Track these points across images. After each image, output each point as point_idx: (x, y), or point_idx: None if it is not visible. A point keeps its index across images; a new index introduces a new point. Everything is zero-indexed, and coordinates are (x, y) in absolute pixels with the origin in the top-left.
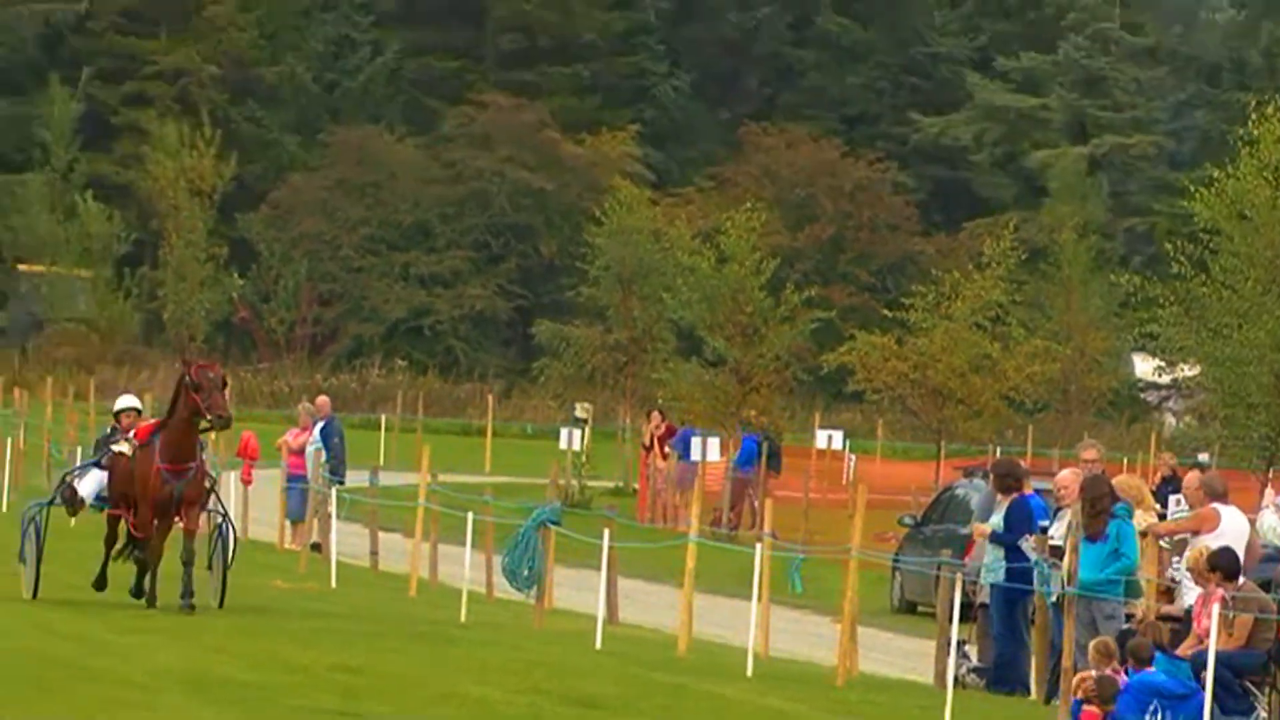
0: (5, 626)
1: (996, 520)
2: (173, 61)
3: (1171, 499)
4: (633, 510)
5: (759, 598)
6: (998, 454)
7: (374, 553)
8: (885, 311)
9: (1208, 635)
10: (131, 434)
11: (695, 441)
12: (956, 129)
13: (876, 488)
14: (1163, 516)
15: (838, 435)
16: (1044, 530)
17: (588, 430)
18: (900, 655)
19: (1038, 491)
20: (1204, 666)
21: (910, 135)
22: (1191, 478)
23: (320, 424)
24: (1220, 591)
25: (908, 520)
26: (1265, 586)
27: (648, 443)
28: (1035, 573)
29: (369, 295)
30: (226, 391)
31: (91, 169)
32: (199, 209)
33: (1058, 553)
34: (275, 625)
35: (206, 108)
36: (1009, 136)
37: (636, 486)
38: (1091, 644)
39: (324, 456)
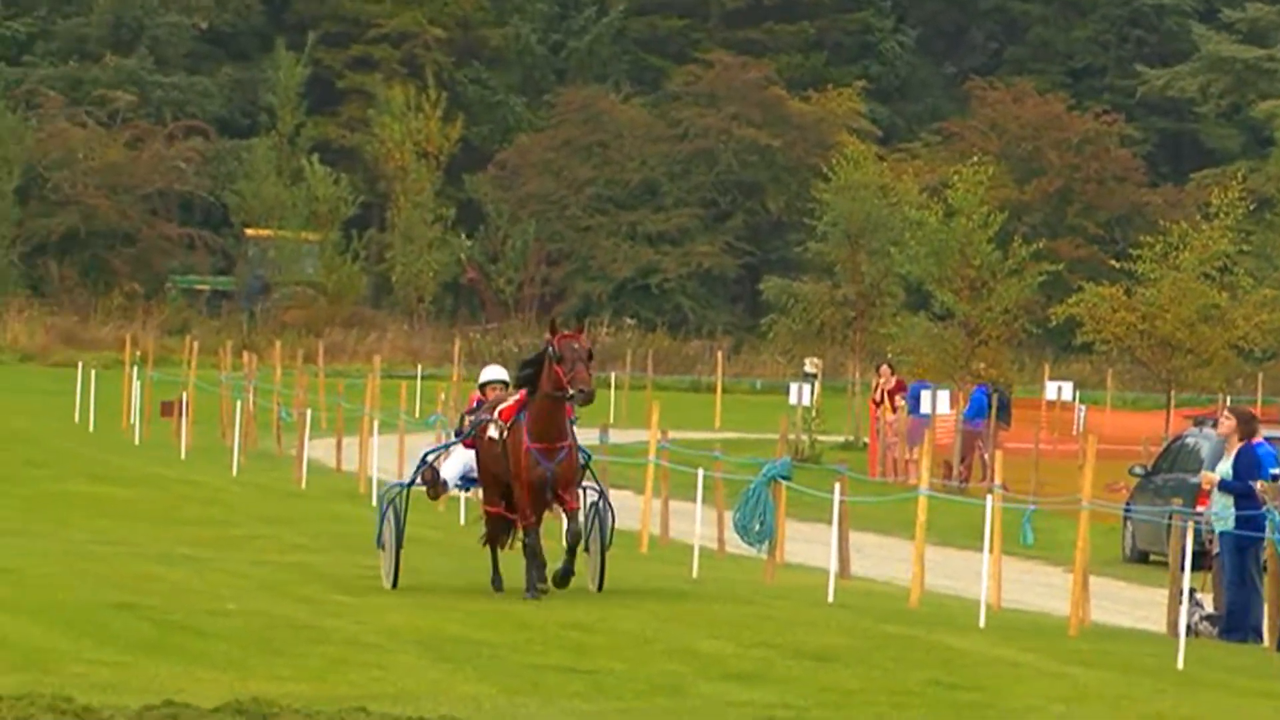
0: (235, 588)
1: (1225, 468)
2: (398, 25)
3: None
4: (863, 465)
5: (990, 549)
6: (1228, 403)
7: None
8: (1113, 263)
9: None
10: (496, 413)
11: (925, 395)
12: (1182, 81)
13: (1106, 438)
14: None
15: (1067, 387)
16: (1274, 478)
17: (817, 385)
18: (1132, 605)
19: (1268, 439)
20: None
21: (1136, 88)
22: None
23: None
24: None
25: (1138, 470)
26: None
27: (877, 397)
28: (1266, 520)
29: (596, 254)
30: (592, 365)
31: (318, 133)
32: (426, 171)
33: None
34: (506, 585)
35: (432, 70)
36: (1235, 87)
37: (866, 441)
38: None
39: None
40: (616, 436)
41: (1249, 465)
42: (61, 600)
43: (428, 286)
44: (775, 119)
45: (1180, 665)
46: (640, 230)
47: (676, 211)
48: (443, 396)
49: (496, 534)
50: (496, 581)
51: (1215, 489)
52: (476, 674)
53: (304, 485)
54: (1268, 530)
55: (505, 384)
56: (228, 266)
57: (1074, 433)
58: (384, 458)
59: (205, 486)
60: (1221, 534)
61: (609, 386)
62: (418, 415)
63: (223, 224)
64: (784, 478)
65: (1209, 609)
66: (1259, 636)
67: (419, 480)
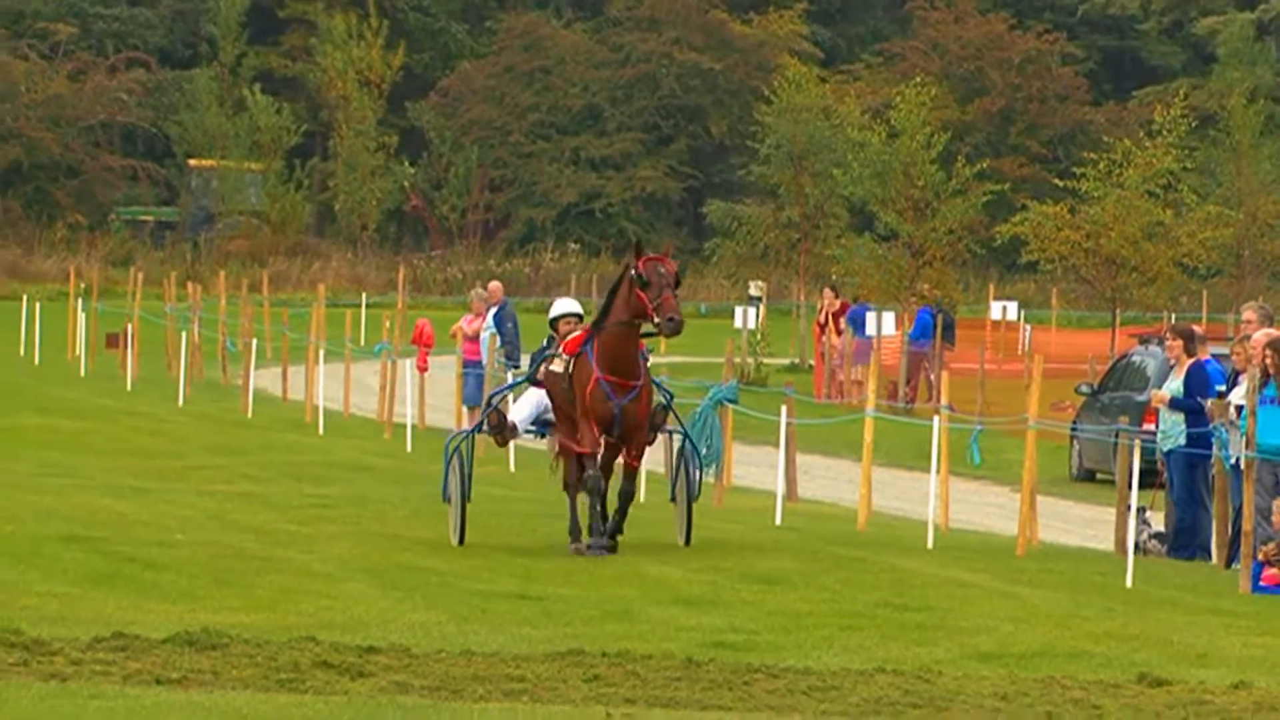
0: (183, 519)
1: (1175, 386)
2: None
3: None
4: (809, 387)
5: (937, 470)
6: (1173, 320)
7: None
8: (1057, 182)
9: None
10: (560, 346)
11: (870, 317)
12: None
13: (1052, 357)
14: None
15: (1012, 306)
16: (1221, 395)
17: (762, 308)
18: (1080, 524)
19: (1214, 356)
20: None
21: (1077, 6)
22: None
23: (494, 309)
24: None
25: (1085, 389)
26: None
27: (823, 319)
28: (1214, 437)
29: (540, 180)
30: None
31: (260, 62)
32: (368, 99)
33: (1238, 415)
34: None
35: None
36: (1176, 4)
37: (812, 363)
38: (1278, 502)
39: (499, 342)
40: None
41: (1200, 383)
42: (10, 533)
43: (371, 214)
44: (717, 42)
45: (1129, 583)
46: (583, 155)
47: (619, 136)
48: (388, 324)
49: (577, 473)
50: (574, 531)
51: (1165, 407)
52: (425, 602)
53: (250, 415)
54: (1215, 448)
55: (579, 317)
56: (171, 197)
57: (1020, 352)
58: (330, 386)
59: (152, 417)
60: (1171, 452)
61: None
62: (363, 343)
63: (166, 155)
64: (730, 401)
65: (1157, 527)
66: (1207, 554)
67: (485, 426)
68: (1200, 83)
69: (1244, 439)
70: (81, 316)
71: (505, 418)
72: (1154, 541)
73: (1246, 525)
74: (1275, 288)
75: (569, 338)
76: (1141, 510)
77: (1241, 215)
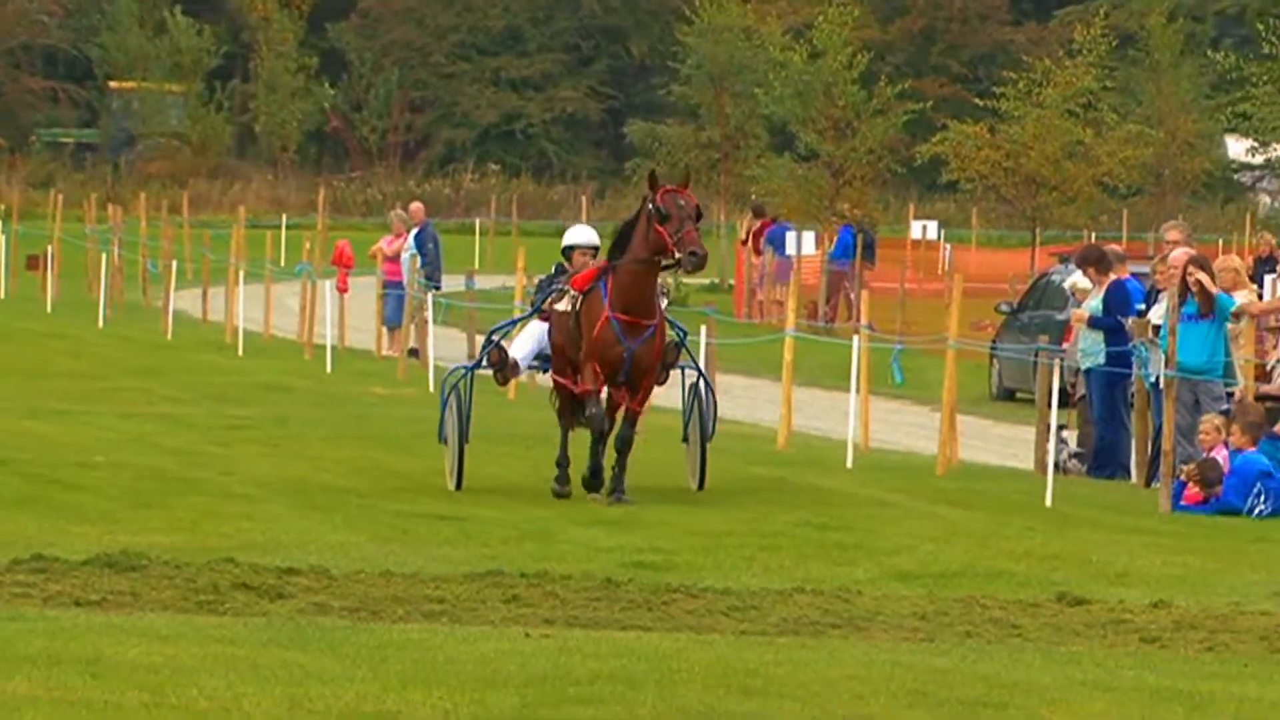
0: (104, 441)
1: (1094, 304)
2: None
3: (1268, 278)
4: (730, 307)
5: (858, 390)
6: (1092, 239)
7: (471, 356)
8: (977, 101)
9: None
10: (568, 285)
11: (790, 236)
12: None
13: (972, 277)
14: (1261, 297)
15: (932, 226)
16: (1141, 313)
17: None
18: (1000, 443)
19: (1134, 275)
20: None
21: None
22: None
23: (415, 230)
24: None
25: (1004, 308)
26: None
27: (743, 237)
28: (1134, 356)
29: (460, 101)
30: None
31: None
32: (288, 21)
33: (1157, 334)
34: (374, 432)
35: None
36: None
37: (733, 283)
38: (1205, 421)
39: (419, 263)
40: (482, 282)
41: (1120, 301)
42: None
43: (292, 136)
44: None
45: (1049, 502)
46: (504, 76)
47: (540, 57)
48: (308, 246)
49: (569, 404)
50: (562, 460)
51: (1084, 326)
52: (345, 523)
53: (171, 337)
54: (1135, 367)
55: (595, 250)
56: (92, 119)
57: (940, 272)
58: (250, 308)
59: (72, 340)
60: (1091, 371)
61: (474, 233)
62: (284, 265)
63: (86, 77)
64: None
65: (1074, 446)
66: (1127, 473)
67: (485, 362)
68: (1120, 2)
69: (1164, 357)
70: (2, 239)
71: (507, 354)
72: (1074, 461)
73: (1167, 444)
74: (1195, 206)
75: (576, 275)
76: (1061, 429)
77: (1161, 134)
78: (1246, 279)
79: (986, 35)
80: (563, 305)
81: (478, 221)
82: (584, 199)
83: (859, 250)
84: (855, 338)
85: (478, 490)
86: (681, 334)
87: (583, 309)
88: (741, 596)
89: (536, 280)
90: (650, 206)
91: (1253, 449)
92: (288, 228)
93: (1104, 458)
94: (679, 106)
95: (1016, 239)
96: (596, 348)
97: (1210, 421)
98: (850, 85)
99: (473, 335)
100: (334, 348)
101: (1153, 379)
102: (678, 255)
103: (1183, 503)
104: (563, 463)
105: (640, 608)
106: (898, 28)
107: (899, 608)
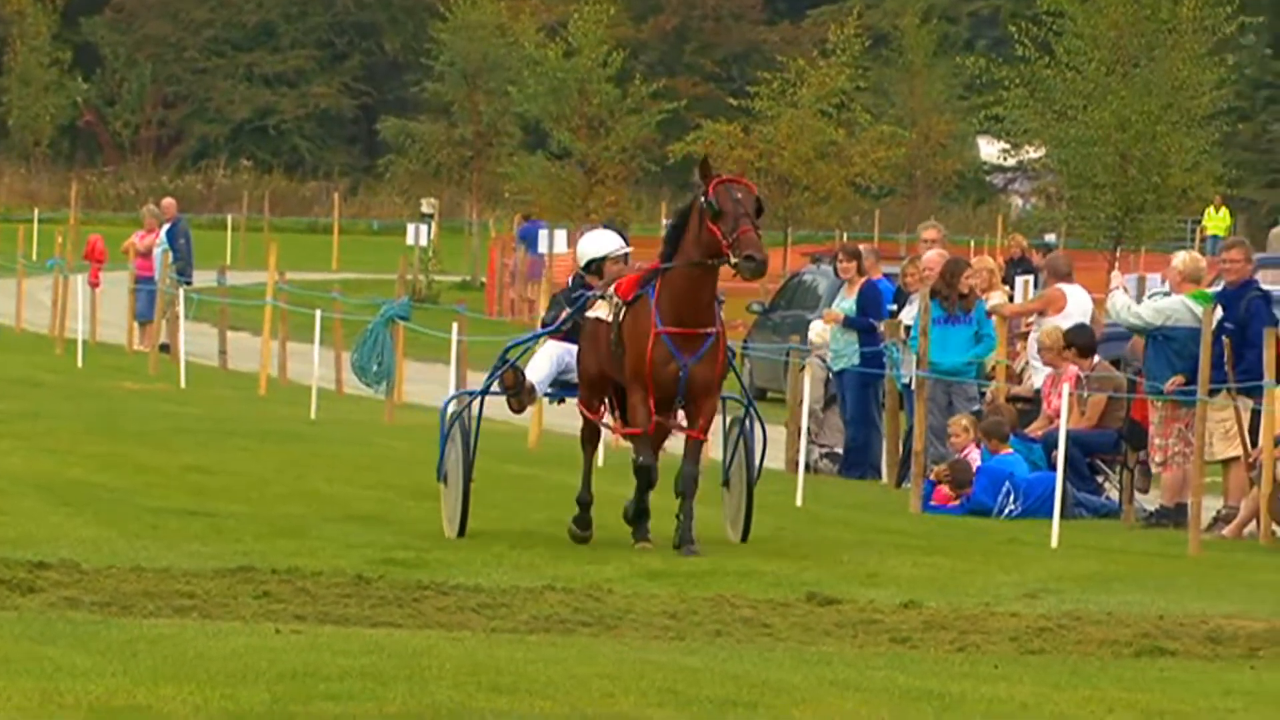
0: None
1: (847, 305)
2: None
3: (1019, 280)
4: (481, 304)
5: None
6: (845, 239)
7: (223, 352)
8: (731, 101)
9: (1058, 415)
10: (611, 288)
11: (542, 234)
12: None
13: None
14: (1012, 298)
15: None
16: (893, 314)
17: (435, 225)
18: None
19: (886, 276)
20: (1055, 446)
21: None
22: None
23: (167, 225)
24: (1074, 370)
25: (756, 307)
26: (1115, 365)
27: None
28: (886, 356)
29: (214, 96)
30: (760, 221)
31: None
32: (42, 14)
33: (909, 335)
34: (126, 427)
35: None
36: None
37: (484, 280)
38: (954, 422)
39: (171, 258)
40: (234, 278)
41: (873, 302)
42: None
43: (45, 130)
44: None
45: (799, 502)
46: (257, 72)
47: (293, 53)
48: (60, 240)
49: (595, 435)
50: (583, 495)
51: (838, 326)
52: (97, 518)
53: None
54: (887, 367)
55: (626, 256)
56: None
57: None
58: (2, 302)
59: None
60: (844, 372)
61: (226, 229)
62: (35, 259)
63: None
64: (402, 318)
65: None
66: (878, 473)
67: (499, 386)
68: (874, 2)
69: (916, 358)
70: None
71: (524, 377)
72: (825, 461)
73: (918, 445)
74: (947, 208)
75: (619, 280)
76: (811, 429)
77: (914, 135)
78: (999, 280)
79: (740, 34)
80: (601, 311)
81: (230, 217)
82: (336, 195)
83: None
84: None
85: (229, 486)
86: (731, 354)
87: (626, 320)
88: (492, 594)
89: (552, 295)
90: (702, 201)
91: (1006, 450)
92: (40, 222)
93: (855, 458)
94: (432, 103)
95: (768, 239)
96: (645, 368)
97: (959, 422)
98: (604, 83)
99: (223, 331)
100: (85, 342)
101: (905, 380)
102: (733, 260)
103: (933, 503)
104: (585, 501)
105: (391, 604)
106: (651, 26)
107: (649, 606)
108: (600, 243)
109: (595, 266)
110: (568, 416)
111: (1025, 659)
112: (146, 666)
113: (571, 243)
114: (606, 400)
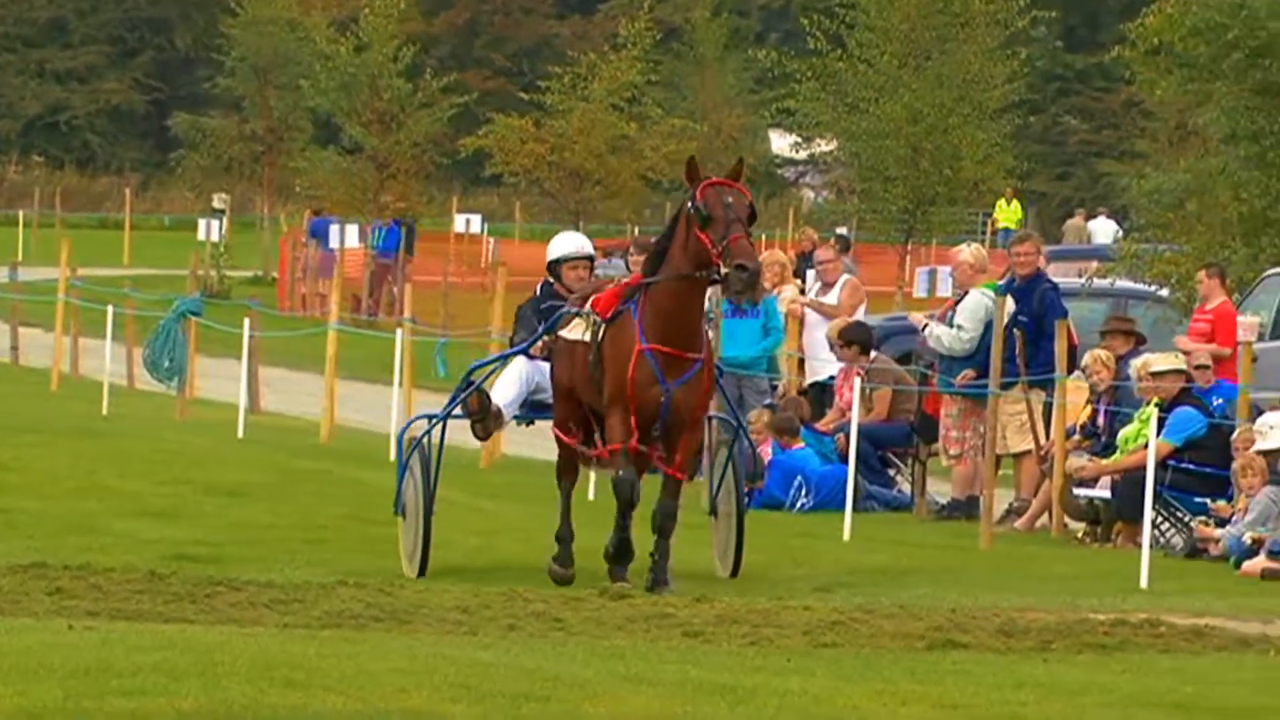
0: None
1: None
2: None
3: (810, 273)
4: (273, 299)
5: (401, 383)
6: (636, 233)
7: (14, 348)
8: (522, 95)
9: (850, 409)
10: (588, 305)
11: (333, 229)
12: None
13: (517, 270)
14: (803, 292)
15: (476, 219)
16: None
17: (226, 221)
18: (544, 435)
19: None
20: (847, 440)
21: None
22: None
23: None
24: (854, 368)
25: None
26: (906, 360)
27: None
28: None
29: (4, 92)
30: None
31: None
32: None
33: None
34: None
35: None
36: None
37: (276, 275)
38: (754, 417)
39: None
40: (26, 274)
41: None
42: None
43: None
44: None
45: (592, 496)
46: (48, 68)
47: (84, 49)
48: None
49: (573, 467)
50: (563, 530)
51: None
52: None
53: None
54: None
55: (590, 260)
56: None
57: (484, 264)
58: None
59: None
60: None
61: (17, 224)
62: None
63: None
64: (194, 313)
65: None
66: None
67: (463, 410)
68: None
69: None
70: None
71: (489, 400)
72: None
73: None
74: None
75: (596, 295)
76: None
77: (705, 128)
78: (791, 274)
79: (531, 28)
80: (576, 332)
81: (21, 213)
82: (128, 191)
83: (403, 244)
84: (399, 330)
85: (21, 482)
86: (717, 373)
87: (606, 339)
88: (285, 590)
89: (516, 309)
90: (689, 206)
91: (798, 444)
92: None
93: None
94: (224, 98)
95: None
96: (628, 390)
97: (761, 419)
98: (395, 78)
99: (15, 327)
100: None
101: None
102: (723, 269)
103: None
104: (564, 537)
105: (184, 600)
106: (443, 20)
107: (442, 601)
108: (564, 244)
109: (555, 270)
110: (358, 412)
111: (818, 652)
112: None
113: (362, 238)
114: (582, 420)
